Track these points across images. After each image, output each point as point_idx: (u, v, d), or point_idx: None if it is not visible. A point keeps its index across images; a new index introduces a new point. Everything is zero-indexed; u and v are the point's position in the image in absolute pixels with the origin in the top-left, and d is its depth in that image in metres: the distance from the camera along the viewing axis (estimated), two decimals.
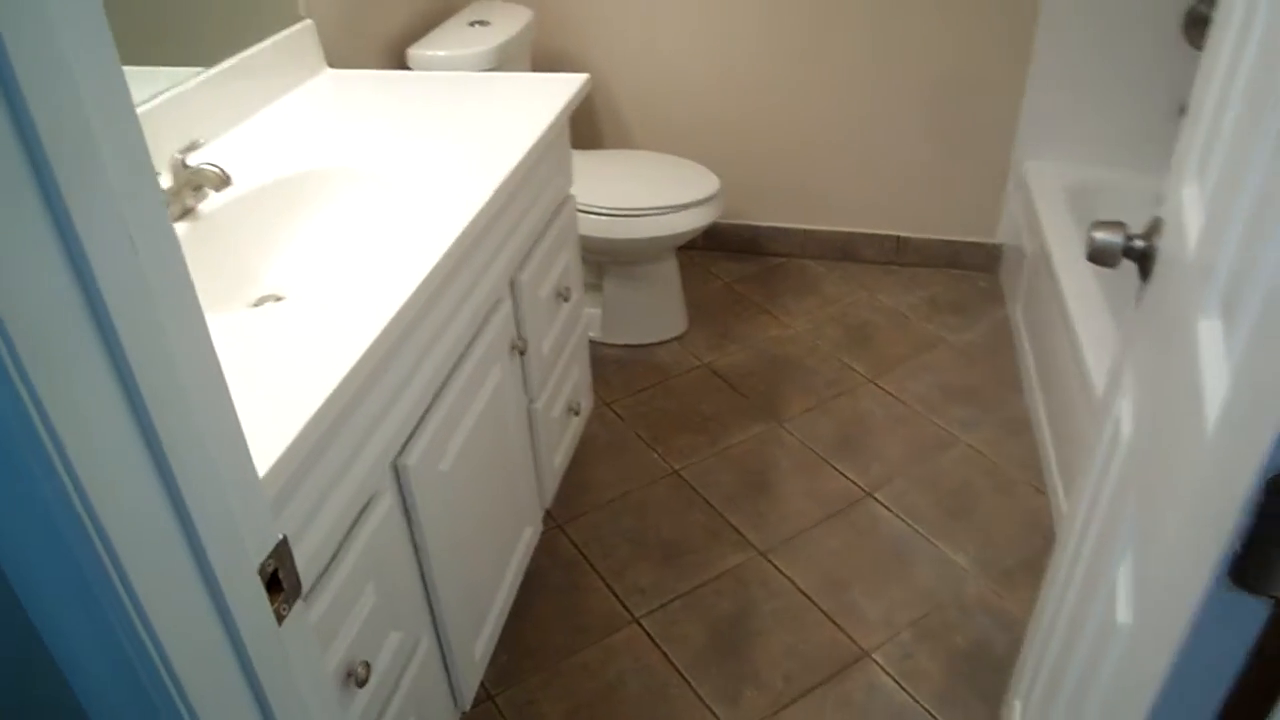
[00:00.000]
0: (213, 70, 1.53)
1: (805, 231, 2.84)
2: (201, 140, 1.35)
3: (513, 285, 1.51)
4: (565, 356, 1.79)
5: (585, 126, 2.81)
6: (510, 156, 1.41)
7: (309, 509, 0.96)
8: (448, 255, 1.19)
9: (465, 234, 1.24)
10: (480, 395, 1.39)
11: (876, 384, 2.34)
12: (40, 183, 0.43)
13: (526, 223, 1.54)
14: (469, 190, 1.32)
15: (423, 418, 1.23)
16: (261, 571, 0.60)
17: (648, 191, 2.28)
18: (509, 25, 2.24)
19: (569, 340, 1.81)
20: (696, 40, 2.60)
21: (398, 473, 1.16)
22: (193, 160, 1.36)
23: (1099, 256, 0.93)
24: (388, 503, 1.13)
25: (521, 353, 1.51)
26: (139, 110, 1.38)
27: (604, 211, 2.24)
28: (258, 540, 0.60)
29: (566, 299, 1.73)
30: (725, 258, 2.90)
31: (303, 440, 0.89)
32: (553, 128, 1.54)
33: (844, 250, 2.85)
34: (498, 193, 1.33)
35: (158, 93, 1.42)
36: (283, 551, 0.63)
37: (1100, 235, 0.93)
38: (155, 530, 0.51)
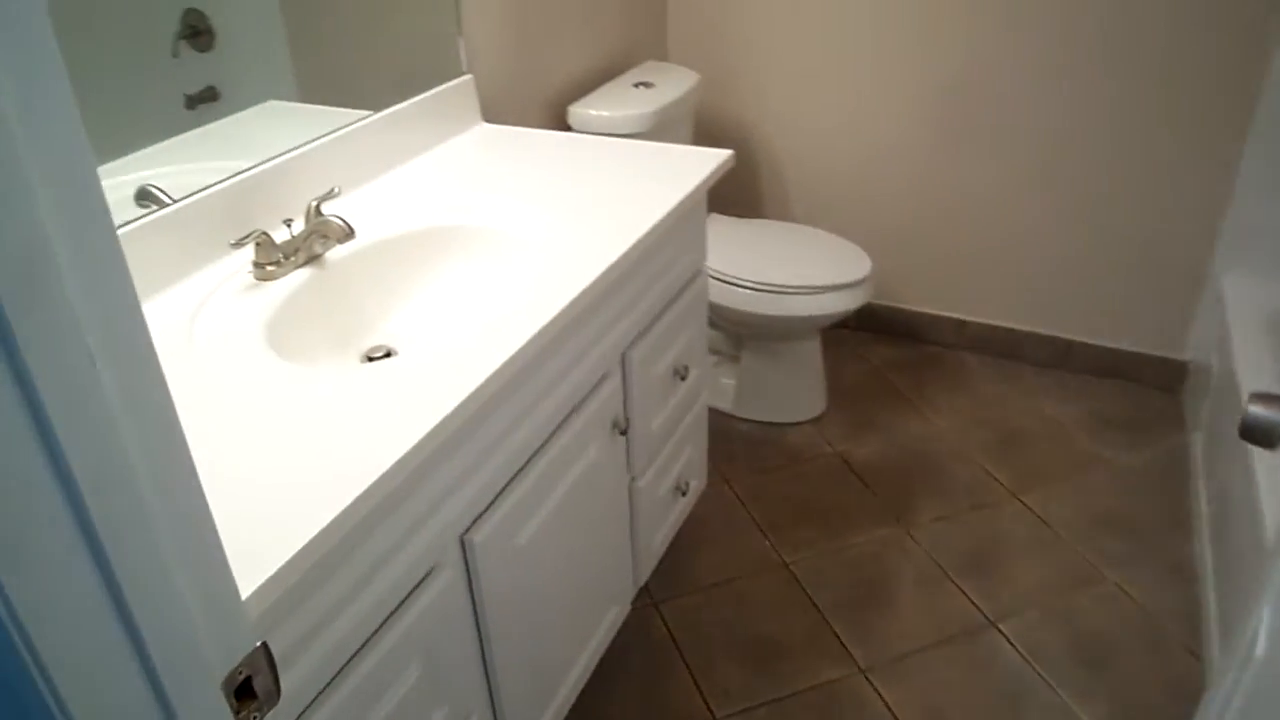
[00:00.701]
0: (375, 116, 1.58)
1: (964, 323, 2.68)
2: (339, 190, 1.39)
3: (624, 360, 1.47)
4: (677, 436, 1.73)
5: (742, 191, 2.76)
6: (635, 229, 1.37)
7: (359, 577, 0.95)
8: (549, 325, 1.16)
9: (571, 305, 1.21)
10: (572, 471, 1.36)
11: (1021, 500, 2.15)
12: None
13: (649, 297, 1.51)
14: (588, 259, 1.29)
15: (503, 490, 1.20)
16: (228, 682, 0.58)
17: (797, 268, 2.21)
18: (673, 89, 2.22)
19: (683, 419, 1.75)
20: (863, 114, 2.51)
21: (465, 547, 1.13)
22: (328, 208, 1.40)
23: (1254, 434, 0.79)
24: (449, 577, 1.10)
25: (622, 432, 1.47)
26: (305, 149, 1.44)
27: (749, 285, 2.18)
28: (225, 650, 0.57)
29: (684, 377, 1.67)
30: (875, 340, 2.77)
31: (361, 504, 0.87)
32: (685, 204, 1.50)
33: (1005, 348, 2.66)
34: (612, 266, 1.29)
35: (323, 134, 1.48)
36: (257, 659, 0.60)
37: (1259, 411, 0.79)
38: (97, 639, 0.49)
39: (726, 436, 2.38)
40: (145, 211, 1.25)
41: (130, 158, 1.26)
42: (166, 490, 0.52)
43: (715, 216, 2.48)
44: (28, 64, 0.43)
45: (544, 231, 1.39)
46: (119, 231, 1.17)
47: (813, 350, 2.40)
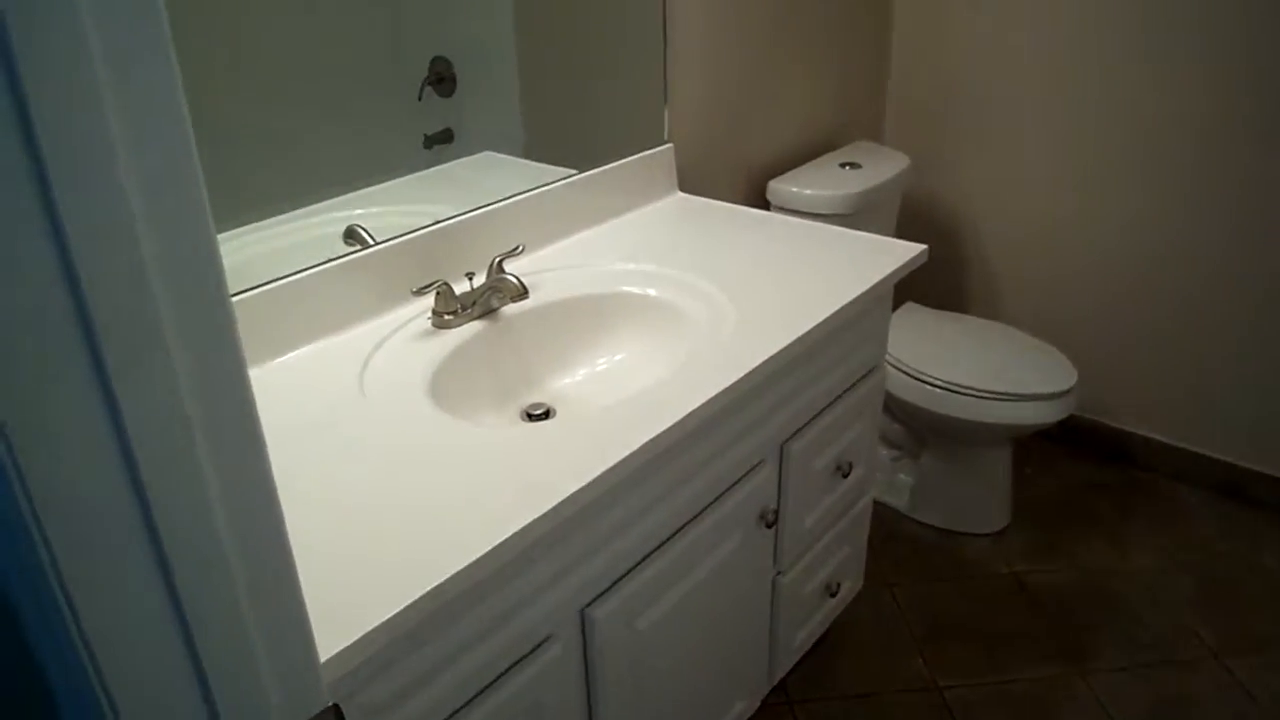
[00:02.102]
0: (572, 179, 1.63)
1: (1181, 450, 2.42)
2: (522, 247, 1.43)
3: (782, 451, 1.42)
4: (832, 535, 1.65)
5: (942, 282, 2.64)
6: (810, 317, 1.33)
7: (468, 637, 0.95)
8: (706, 405, 1.13)
9: (732, 388, 1.18)
10: (710, 558, 1.32)
11: (1223, 663, 1.90)
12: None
13: (818, 387, 1.45)
14: (757, 343, 1.26)
15: (634, 568, 1.17)
16: None
17: (992, 372, 2.07)
18: (880, 171, 2.16)
19: (842, 519, 1.67)
20: (1081, 213, 2.34)
21: (584, 621, 1.12)
22: (511, 265, 1.44)
23: None
24: (563, 649, 1.09)
25: (769, 525, 1.41)
26: (500, 204, 1.50)
27: (937, 383, 2.07)
28: (292, 708, 0.58)
29: (847, 475, 1.60)
30: (1073, 455, 2.56)
31: (484, 564, 0.88)
32: (867, 296, 1.43)
33: (1228, 485, 2.38)
34: (781, 353, 1.25)
35: (521, 191, 1.54)
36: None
37: None
38: (169, 688, 0.51)
39: (895, 537, 2.26)
40: (348, 251, 1.34)
41: (352, 195, 1.36)
42: (253, 556, 0.53)
43: (911, 305, 2.38)
44: (160, 136, 0.45)
45: (718, 309, 1.38)
46: (324, 267, 1.27)
47: (1001, 458, 2.24)
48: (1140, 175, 2.24)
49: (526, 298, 1.32)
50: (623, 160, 1.73)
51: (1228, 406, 2.32)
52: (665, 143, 1.81)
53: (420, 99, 1.42)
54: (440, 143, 1.46)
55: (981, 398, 2.04)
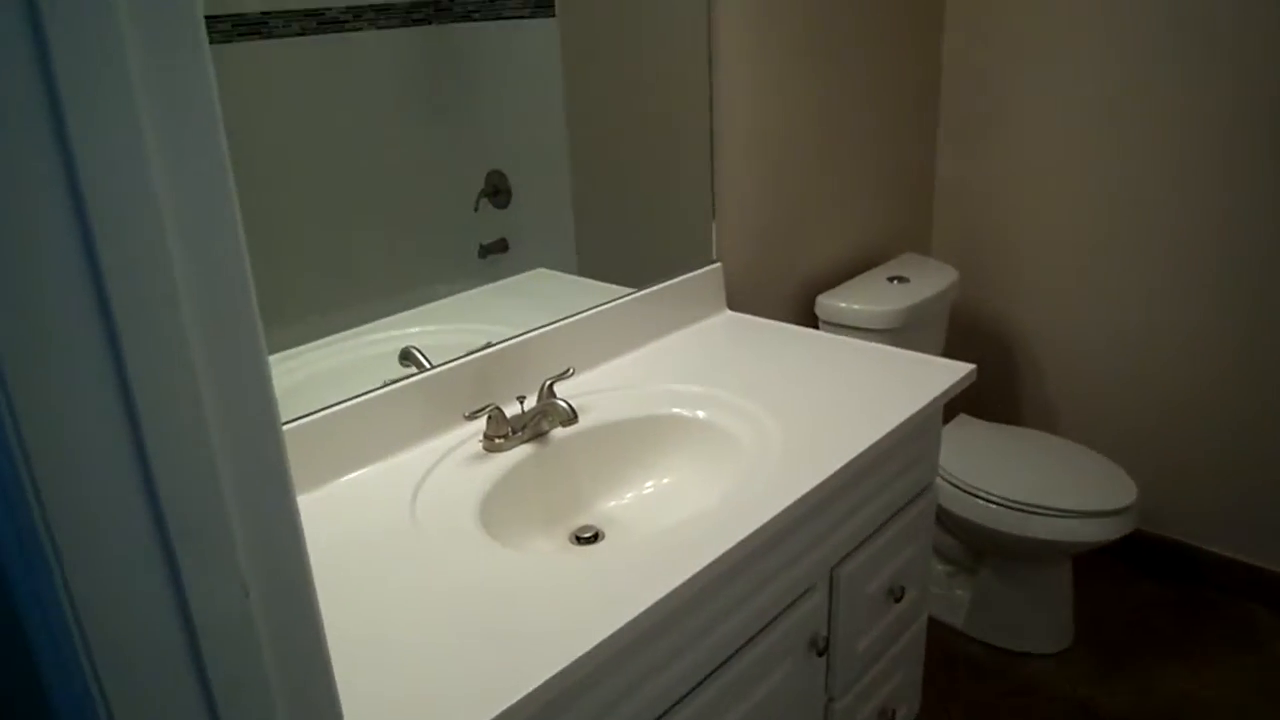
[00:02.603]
0: (621, 300, 1.67)
1: (1258, 570, 2.33)
2: (573, 370, 1.46)
3: (832, 577, 1.40)
4: (886, 660, 1.61)
5: (996, 393, 2.61)
6: (860, 440, 1.33)
7: None
8: (754, 535, 1.13)
9: (781, 515, 1.17)
10: (759, 688, 1.29)
11: None
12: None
13: (868, 510, 1.44)
14: (807, 469, 1.26)
15: (680, 700, 1.16)
16: None
17: (1049, 487, 2.03)
18: (929, 285, 2.17)
19: (896, 642, 1.63)
20: (1138, 323, 2.32)
21: None
22: (561, 388, 1.47)
23: None
24: None
25: (821, 652, 1.38)
26: (552, 327, 1.54)
27: (993, 499, 2.03)
28: None
29: (900, 598, 1.56)
30: (1140, 572, 2.47)
31: (526, 704, 0.87)
32: (917, 417, 1.43)
33: None
34: (831, 478, 1.25)
35: (572, 314, 1.58)
36: None
37: None
38: None
39: (952, 656, 2.19)
40: (404, 374, 1.38)
41: (408, 314, 1.41)
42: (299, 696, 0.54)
43: (964, 418, 2.36)
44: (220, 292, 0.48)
45: (766, 433, 1.38)
46: (380, 392, 1.30)
47: (1062, 575, 2.17)
48: (1201, 286, 2.22)
49: (576, 422, 1.34)
50: (672, 281, 1.76)
51: None
52: (713, 261, 1.84)
53: (476, 210, 1.48)
54: (495, 252, 1.51)
55: (1038, 514, 1.99)
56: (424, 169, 1.40)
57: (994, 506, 2.03)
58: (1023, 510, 2.00)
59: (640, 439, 1.45)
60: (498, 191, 1.51)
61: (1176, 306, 2.27)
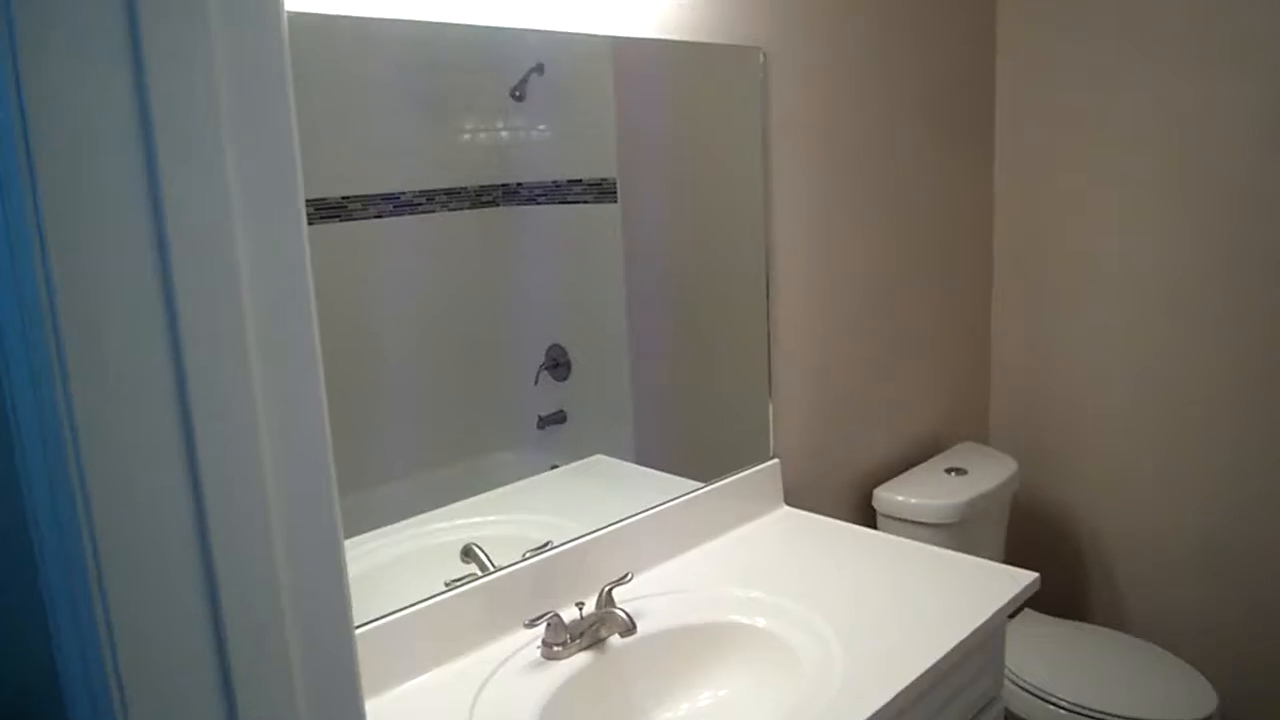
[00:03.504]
0: (678, 501, 1.69)
1: None
2: (631, 576, 1.47)
3: None
4: None
5: (1062, 587, 2.54)
6: (922, 658, 1.31)
7: None
8: None
9: None
10: None
11: None
12: None
13: None
14: (863, 687, 1.24)
15: None
16: None
17: (1123, 692, 1.95)
18: (988, 477, 2.17)
19: None
20: (1214, 515, 2.26)
21: None
22: (619, 592, 1.48)
23: None
24: None
25: None
26: (612, 528, 1.57)
27: (1063, 704, 1.95)
28: None
29: None
30: None
31: None
32: (979, 632, 1.41)
33: None
34: (891, 701, 1.23)
35: (633, 513, 1.62)
36: None
37: None
38: None
39: None
40: (465, 573, 1.41)
41: (468, 502, 1.46)
42: None
43: (1029, 614, 2.29)
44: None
45: (825, 644, 1.37)
46: (443, 597, 1.33)
47: None
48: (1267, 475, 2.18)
49: (635, 632, 1.35)
50: (730, 478, 1.79)
51: None
52: (771, 458, 1.87)
53: (536, 383, 1.54)
54: (553, 424, 1.57)
55: None
56: (488, 341, 1.48)
57: (1064, 712, 1.95)
58: (1095, 717, 1.92)
59: (698, 647, 1.45)
60: (557, 364, 1.58)
61: (1255, 496, 2.22)
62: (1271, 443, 2.16)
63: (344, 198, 1.30)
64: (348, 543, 1.28)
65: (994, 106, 2.46)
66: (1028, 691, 2.01)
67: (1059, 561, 2.53)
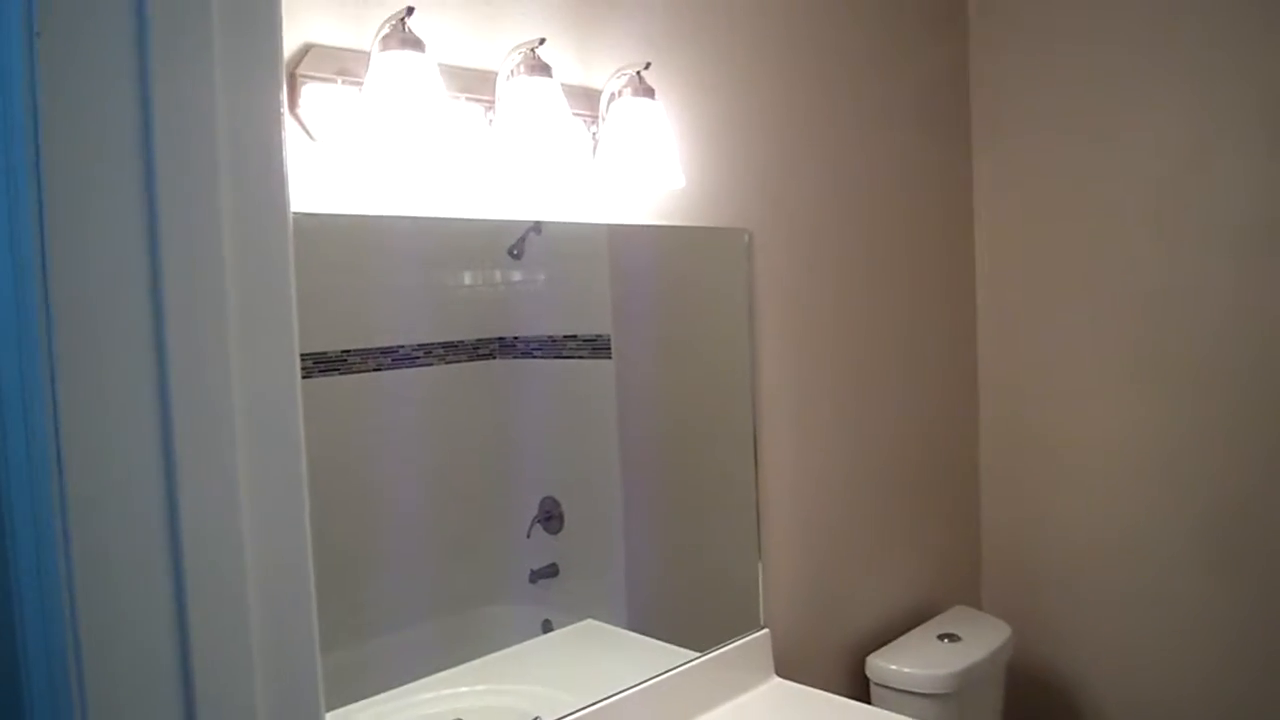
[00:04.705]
0: (675, 672, 1.64)
1: None
2: None
3: None
4: None
5: None
6: None
7: None
8: None
9: None
10: None
11: None
12: None
13: None
14: None
15: None
16: None
17: None
18: (981, 644, 2.12)
19: None
20: (1219, 677, 2.21)
21: None
22: None
23: None
24: None
25: None
26: (599, 705, 1.51)
27: None
28: None
29: None
30: None
31: None
32: None
33: None
34: None
35: (622, 689, 1.57)
36: None
37: None
38: None
39: None
40: None
41: (457, 670, 1.42)
42: None
43: None
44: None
45: None
46: None
47: None
48: None
49: None
50: (719, 650, 1.75)
51: None
52: (762, 627, 1.83)
53: (529, 536, 1.51)
54: (545, 577, 1.54)
55: None
56: (482, 492, 1.48)
57: None
58: None
59: None
60: (550, 517, 1.55)
61: (1261, 657, 2.17)
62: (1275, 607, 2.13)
63: (344, 351, 1.32)
64: (335, 714, 1.24)
65: (973, 261, 2.53)
66: None
67: None
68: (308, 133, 1.22)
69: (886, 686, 2.01)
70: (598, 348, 1.65)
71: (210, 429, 0.54)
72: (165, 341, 0.53)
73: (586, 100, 1.51)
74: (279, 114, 0.59)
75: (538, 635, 1.54)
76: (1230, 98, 2.10)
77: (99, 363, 0.50)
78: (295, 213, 1.17)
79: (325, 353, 1.30)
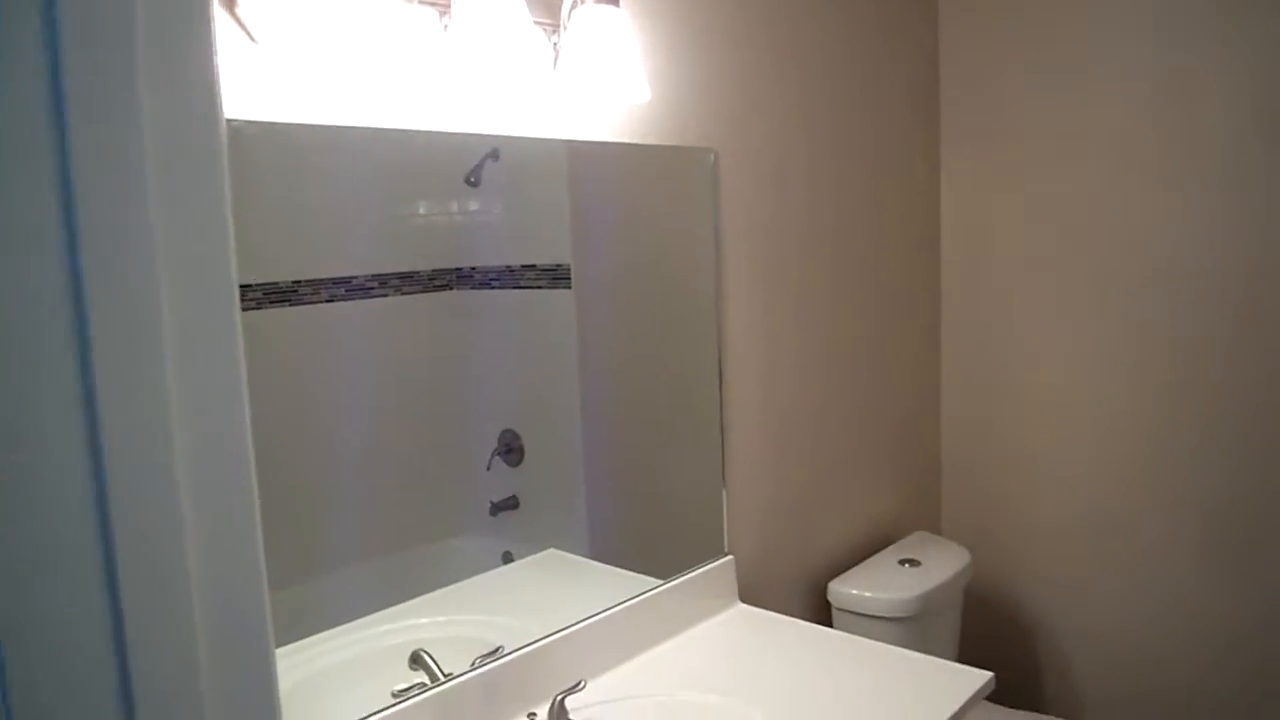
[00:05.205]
0: (640, 598, 1.64)
1: None
2: (584, 683, 1.42)
3: None
4: None
5: (1018, 678, 2.52)
6: None
7: None
8: None
9: None
10: None
11: None
12: None
13: None
14: None
15: None
16: None
17: None
18: (941, 569, 2.15)
19: None
20: (1171, 603, 2.27)
21: None
22: (571, 701, 1.43)
23: None
24: None
25: None
26: (564, 633, 1.51)
27: None
28: None
29: None
30: None
31: None
32: None
33: None
34: None
35: (584, 617, 1.57)
36: None
37: None
38: None
39: None
40: (413, 682, 1.34)
41: (418, 601, 1.40)
42: None
43: (986, 706, 2.26)
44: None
45: None
46: (389, 712, 1.26)
47: None
48: (1229, 563, 2.20)
49: None
50: (684, 577, 1.75)
51: None
52: (726, 554, 1.84)
53: (489, 469, 1.49)
54: (506, 509, 1.52)
55: None
56: (441, 426, 1.45)
57: None
58: None
59: None
60: (510, 450, 1.53)
61: (1207, 585, 2.23)
62: (1230, 545, 2.19)
63: (294, 282, 1.27)
64: (290, 647, 1.22)
65: (939, 185, 2.51)
66: None
67: (1013, 651, 2.52)
68: (249, 34, 1.15)
69: (848, 611, 2.04)
70: (557, 277, 1.61)
71: (135, 363, 0.49)
72: (81, 269, 0.48)
73: (547, 8, 1.45)
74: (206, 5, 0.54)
75: (499, 567, 1.53)
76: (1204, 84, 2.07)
77: (3, 296, 0.46)
78: (236, 119, 1.12)
79: (276, 283, 1.25)
